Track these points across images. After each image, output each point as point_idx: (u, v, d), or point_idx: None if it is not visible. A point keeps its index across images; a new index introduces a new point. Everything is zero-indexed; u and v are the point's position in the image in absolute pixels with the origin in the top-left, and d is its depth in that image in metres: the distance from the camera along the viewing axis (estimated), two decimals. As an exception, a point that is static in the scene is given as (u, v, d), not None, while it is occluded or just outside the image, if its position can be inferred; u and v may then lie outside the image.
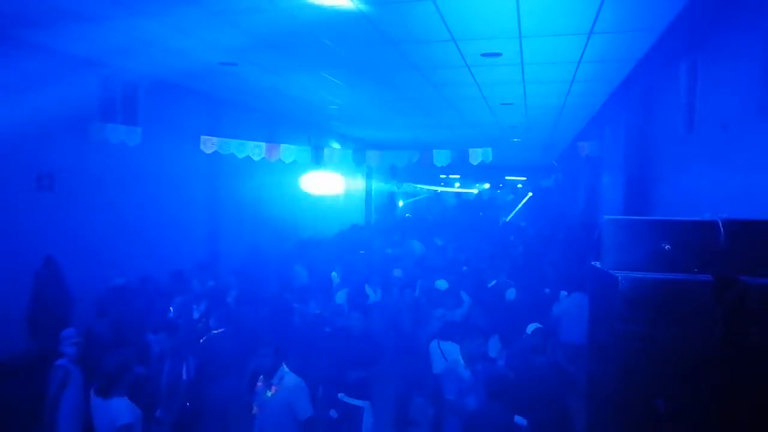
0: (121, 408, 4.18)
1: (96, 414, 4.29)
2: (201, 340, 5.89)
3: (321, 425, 5.25)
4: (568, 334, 7.17)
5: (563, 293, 7.77)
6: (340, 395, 5.46)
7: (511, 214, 25.95)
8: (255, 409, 4.64)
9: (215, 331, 5.99)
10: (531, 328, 5.76)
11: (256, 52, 7.50)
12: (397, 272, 9.07)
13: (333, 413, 5.45)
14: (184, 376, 5.21)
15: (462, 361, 5.43)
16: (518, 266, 10.15)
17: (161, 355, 5.36)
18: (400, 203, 27.21)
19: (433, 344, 6.02)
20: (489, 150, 9.36)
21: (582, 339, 6.26)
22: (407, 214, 26.48)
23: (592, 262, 3.26)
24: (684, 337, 2.71)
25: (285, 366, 4.66)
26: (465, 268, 10.31)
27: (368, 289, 8.27)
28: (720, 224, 2.79)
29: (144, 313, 6.68)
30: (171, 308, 7.09)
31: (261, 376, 4.71)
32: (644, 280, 2.77)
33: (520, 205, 27.12)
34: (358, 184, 20.09)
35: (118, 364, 4.32)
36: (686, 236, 2.86)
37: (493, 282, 8.33)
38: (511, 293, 7.91)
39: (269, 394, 4.54)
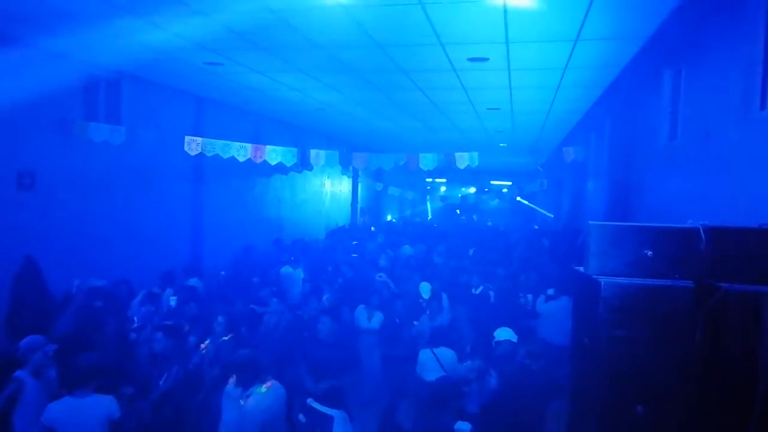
0: (109, 403, 4.34)
1: (73, 411, 4.26)
2: (202, 347, 5.82)
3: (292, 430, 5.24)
4: (551, 336, 7.22)
5: (549, 291, 7.78)
6: (309, 401, 5.39)
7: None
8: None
9: (224, 338, 5.91)
10: (500, 334, 5.77)
11: (242, 53, 7.46)
12: (380, 277, 8.99)
13: (301, 418, 5.38)
14: (161, 383, 5.18)
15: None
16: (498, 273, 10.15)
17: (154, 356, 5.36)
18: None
19: (426, 352, 5.98)
20: (475, 154, 9.39)
21: (565, 341, 6.32)
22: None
23: (576, 267, 3.27)
24: (665, 342, 2.73)
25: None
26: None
27: (363, 312, 7.56)
28: (701, 231, 2.81)
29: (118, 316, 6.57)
30: (135, 318, 6.91)
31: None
32: (626, 285, 2.79)
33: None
34: (344, 186, 20.09)
35: (97, 362, 4.45)
36: (668, 243, 2.88)
37: (480, 288, 8.39)
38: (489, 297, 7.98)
39: (241, 403, 4.58)
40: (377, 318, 7.47)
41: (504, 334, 5.78)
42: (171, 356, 5.41)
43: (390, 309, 7.69)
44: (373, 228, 19.16)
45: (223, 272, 9.55)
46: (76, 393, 4.32)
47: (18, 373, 4.64)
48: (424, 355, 5.99)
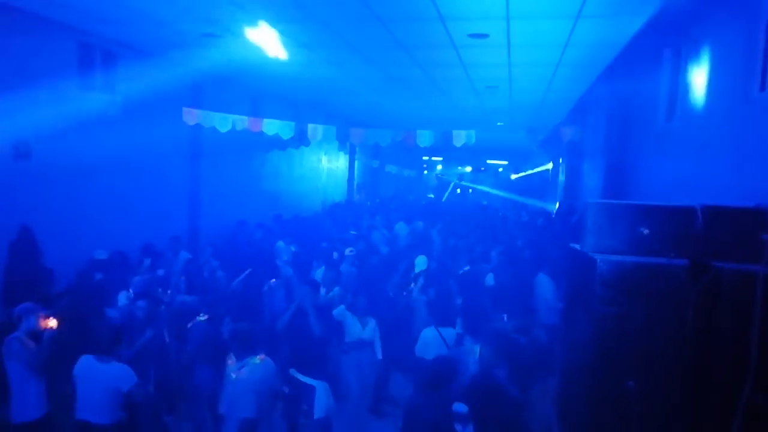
0: (126, 373, 4.39)
1: (90, 377, 4.37)
2: (189, 325, 5.85)
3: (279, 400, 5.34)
4: (543, 316, 7.29)
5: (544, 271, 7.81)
6: (291, 371, 5.43)
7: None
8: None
9: (201, 318, 5.93)
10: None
11: (240, 24, 7.37)
12: (349, 251, 8.87)
13: (285, 389, 5.45)
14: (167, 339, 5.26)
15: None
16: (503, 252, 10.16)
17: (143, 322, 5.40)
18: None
19: (430, 330, 5.97)
20: (473, 132, 9.35)
21: (548, 319, 6.44)
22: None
23: (571, 245, 3.30)
24: (658, 318, 2.76)
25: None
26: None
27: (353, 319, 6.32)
28: (698, 210, 2.83)
29: (113, 287, 6.57)
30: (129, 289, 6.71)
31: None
32: (622, 263, 2.82)
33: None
34: (341, 162, 20.03)
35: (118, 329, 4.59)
36: (664, 221, 2.90)
37: (466, 268, 8.41)
38: (489, 279, 7.98)
39: (234, 376, 4.66)
40: (371, 326, 6.29)
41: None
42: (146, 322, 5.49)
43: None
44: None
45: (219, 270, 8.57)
46: (101, 357, 4.41)
47: (13, 334, 4.64)
48: (428, 333, 5.98)
